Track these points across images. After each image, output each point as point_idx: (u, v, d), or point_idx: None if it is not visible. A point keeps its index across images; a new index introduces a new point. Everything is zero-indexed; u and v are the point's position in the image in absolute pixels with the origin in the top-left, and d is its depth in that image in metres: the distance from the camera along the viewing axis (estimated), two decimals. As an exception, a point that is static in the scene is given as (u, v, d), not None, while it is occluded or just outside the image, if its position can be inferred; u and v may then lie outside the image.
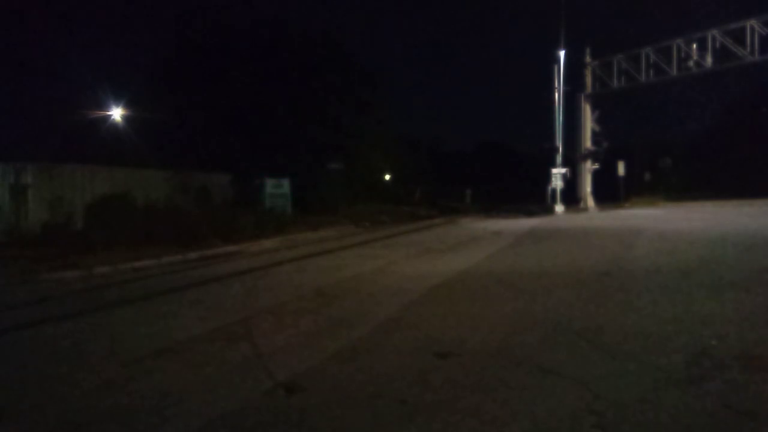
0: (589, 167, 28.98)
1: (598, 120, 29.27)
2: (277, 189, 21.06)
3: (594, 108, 29.29)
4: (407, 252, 11.75)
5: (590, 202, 28.66)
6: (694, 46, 25.13)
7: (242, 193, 21.02)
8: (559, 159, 27.96)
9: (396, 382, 3.88)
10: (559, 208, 26.66)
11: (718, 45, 24.26)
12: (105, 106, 22.40)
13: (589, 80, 29.30)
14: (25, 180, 14.37)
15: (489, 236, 15.00)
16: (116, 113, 22.54)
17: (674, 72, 25.74)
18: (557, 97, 28.07)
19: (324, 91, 26.75)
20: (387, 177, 37.14)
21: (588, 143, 29.16)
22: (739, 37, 23.57)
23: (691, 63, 25.35)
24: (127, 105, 22.70)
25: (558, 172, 27.51)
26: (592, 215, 24.48)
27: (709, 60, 24.62)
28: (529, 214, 25.45)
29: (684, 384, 3.67)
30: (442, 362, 4.28)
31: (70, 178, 15.53)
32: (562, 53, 27.82)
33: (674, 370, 3.90)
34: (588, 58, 29.31)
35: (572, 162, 29.23)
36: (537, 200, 28.81)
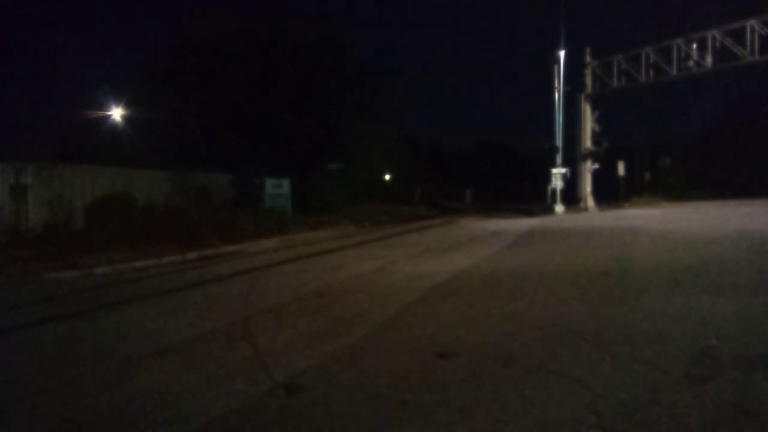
0: (589, 167, 28.99)
1: (598, 120, 29.28)
2: (277, 189, 21.07)
3: (594, 108, 29.31)
4: (407, 252, 11.75)
5: (590, 202, 28.66)
6: (694, 46, 25.15)
7: (242, 193, 21.03)
8: (559, 159, 27.97)
9: (396, 382, 3.88)
10: (559, 208, 26.67)
11: (718, 45, 24.27)
12: (105, 106, 22.43)
13: (589, 80, 29.32)
14: (25, 180, 14.37)
15: (489, 236, 14.99)
16: (116, 113, 22.56)
17: (674, 72, 25.75)
18: (557, 97, 28.08)
19: (324, 91, 26.74)
20: (387, 177, 37.13)
21: (588, 143, 29.17)
22: (739, 37, 23.58)
23: (691, 63, 25.37)
24: (127, 105, 22.73)
25: (558, 172, 27.52)
26: (592, 215, 24.47)
27: (709, 60, 24.63)
28: (529, 214, 25.47)
29: (684, 384, 3.66)
30: (442, 362, 4.28)
31: (70, 178, 15.54)
32: (562, 53, 27.84)
33: (674, 370, 3.90)
34: (588, 58, 29.33)
35: (572, 162, 29.24)
36: (537, 200, 28.83)
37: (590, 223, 18.33)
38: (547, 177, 27.81)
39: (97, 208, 14.95)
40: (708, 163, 38.77)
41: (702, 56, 24.86)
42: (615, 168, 30.57)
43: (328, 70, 27.17)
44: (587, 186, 29.06)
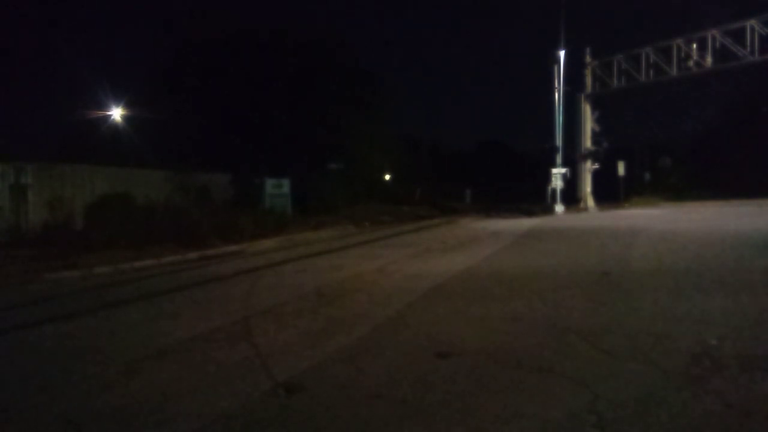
0: (589, 167, 28.98)
1: (598, 120, 29.27)
2: (277, 189, 21.06)
3: (594, 108, 29.30)
4: (407, 252, 11.75)
5: (590, 202, 28.66)
6: (694, 46, 25.14)
7: (242, 193, 21.03)
8: (559, 159, 27.97)
9: (396, 382, 3.88)
10: (559, 208, 26.66)
11: (718, 45, 24.26)
12: (105, 106, 22.41)
13: (589, 80, 29.31)
14: (25, 180, 14.37)
15: (489, 236, 15.00)
16: (116, 113, 22.54)
17: (674, 72, 25.74)
18: (557, 97, 28.07)
19: (324, 91, 26.75)
20: (387, 177, 37.13)
21: (588, 143, 29.17)
22: (739, 37, 23.57)
23: (691, 63, 25.36)
24: (127, 105, 22.71)
25: (558, 172, 27.51)
26: (592, 215, 24.47)
27: (709, 60, 24.62)
28: (529, 214, 25.45)
29: (684, 384, 3.66)
30: (442, 362, 4.28)
31: (70, 178, 15.54)
32: (562, 53, 27.82)
33: (674, 370, 3.90)
34: (588, 58, 29.32)
35: (572, 162, 29.23)
36: (537, 200, 28.81)
37: (590, 223, 18.33)
38: (547, 177, 27.80)
39: (97, 208, 14.94)
40: (708, 163, 38.72)
41: (702, 56, 24.85)
42: (615, 168, 30.56)
43: (328, 70, 27.17)
44: (587, 186, 29.06)
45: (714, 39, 24.29)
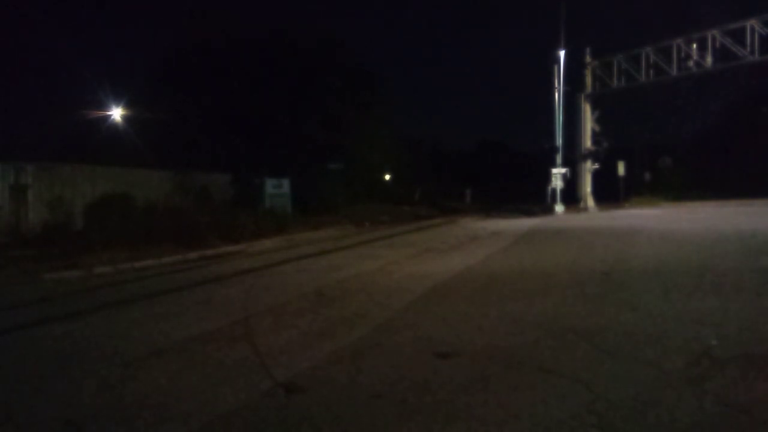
0: (589, 167, 28.97)
1: (598, 120, 29.26)
2: (277, 189, 21.07)
3: (594, 108, 29.28)
4: (407, 252, 11.75)
5: (590, 202, 28.65)
6: (694, 46, 25.14)
7: (242, 193, 21.03)
8: (559, 159, 27.97)
9: (396, 382, 3.88)
10: (559, 208, 26.67)
11: (718, 45, 24.26)
12: (105, 106, 22.39)
13: (589, 80, 29.30)
14: (25, 180, 14.37)
15: (489, 236, 14.99)
16: (116, 113, 22.53)
17: (674, 72, 25.74)
18: (557, 97, 28.08)
19: (324, 91, 26.77)
20: (387, 177, 37.13)
21: (588, 143, 29.16)
22: (739, 37, 23.57)
23: (691, 63, 25.36)
24: (127, 105, 22.69)
25: (558, 172, 27.52)
26: (592, 215, 24.47)
27: (709, 60, 24.62)
28: (529, 214, 25.45)
29: (684, 384, 3.66)
30: (442, 362, 4.28)
31: (70, 178, 15.54)
32: (562, 53, 27.83)
33: (674, 370, 3.90)
34: (588, 58, 29.31)
35: (572, 162, 29.23)
36: (537, 200, 28.80)
37: (590, 223, 18.33)
38: (547, 177, 27.81)
39: (97, 208, 14.95)
40: (708, 163, 38.70)
41: (702, 56, 24.85)
42: (615, 168, 30.55)
43: (328, 71, 27.19)
44: (587, 186, 29.05)
45: (714, 39, 24.28)
